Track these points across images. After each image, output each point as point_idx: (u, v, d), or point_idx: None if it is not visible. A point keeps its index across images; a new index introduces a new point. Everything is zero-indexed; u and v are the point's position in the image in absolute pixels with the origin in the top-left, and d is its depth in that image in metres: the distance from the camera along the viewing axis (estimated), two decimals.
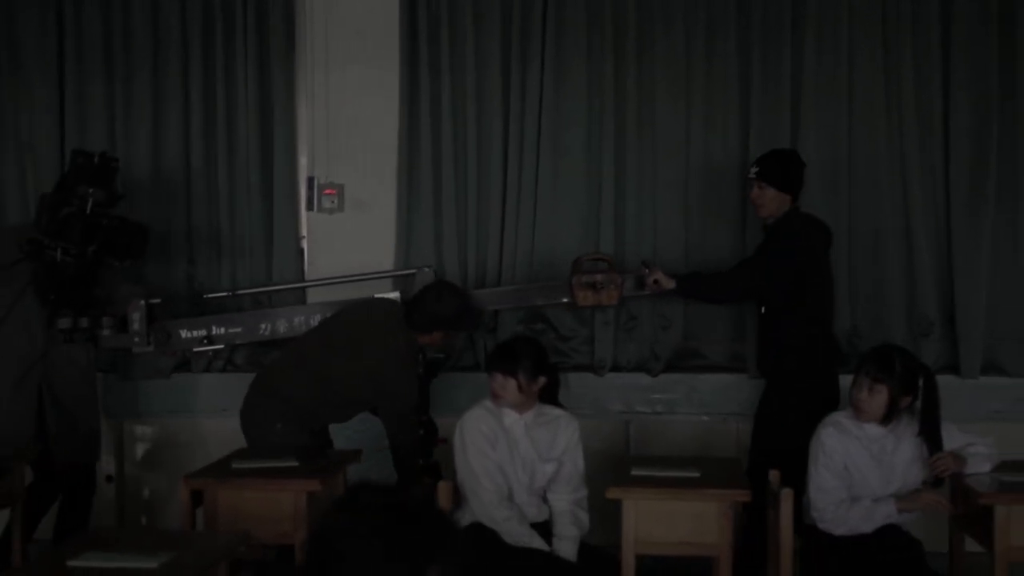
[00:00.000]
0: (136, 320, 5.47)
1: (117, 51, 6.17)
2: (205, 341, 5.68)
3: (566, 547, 4.36)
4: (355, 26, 6.11)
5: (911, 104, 5.87)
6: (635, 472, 4.42)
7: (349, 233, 6.09)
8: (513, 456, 4.42)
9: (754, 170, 5.34)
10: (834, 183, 5.86)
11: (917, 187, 5.82)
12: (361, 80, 6.09)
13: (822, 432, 4.34)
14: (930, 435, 4.41)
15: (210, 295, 5.97)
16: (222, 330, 5.67)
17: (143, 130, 6.14)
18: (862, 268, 5.89)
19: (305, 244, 6.21)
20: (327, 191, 6.06)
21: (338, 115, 6.13)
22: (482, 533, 4.38)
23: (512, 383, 4.38)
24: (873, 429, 4.37)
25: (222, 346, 5.75)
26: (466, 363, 6.00)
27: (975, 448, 4.50)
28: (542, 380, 4.51)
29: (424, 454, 5.29)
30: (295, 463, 4.54)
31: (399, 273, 5.88)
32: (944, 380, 5.56)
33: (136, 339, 5.48)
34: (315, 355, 5.16)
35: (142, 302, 5.45)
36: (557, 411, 4.56)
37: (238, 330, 5.67)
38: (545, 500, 4.52)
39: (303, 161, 6.17)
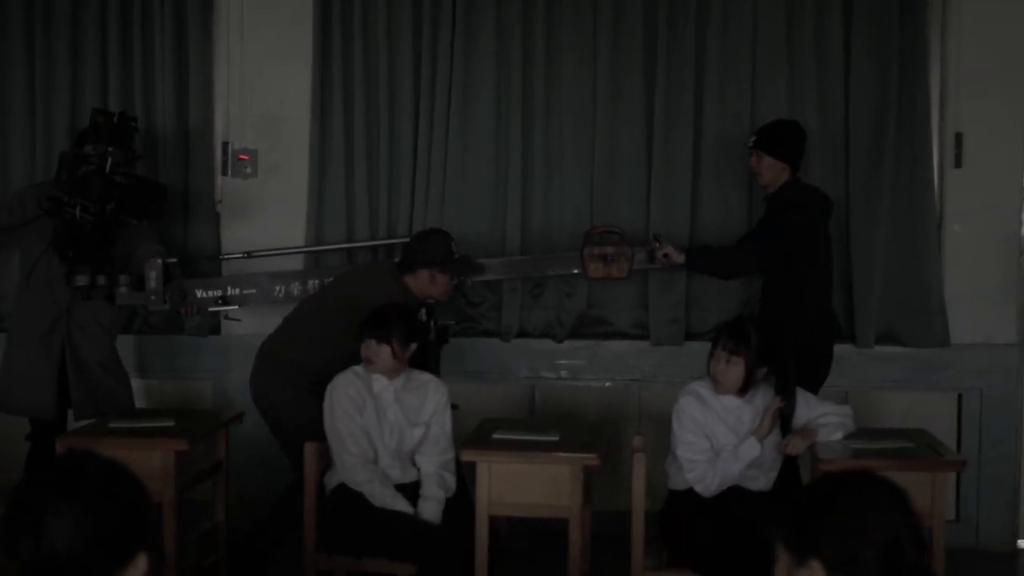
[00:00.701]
0: (152, 278, 5.40)
1: (38, 12, 6.16)
2: (220, 301, 5.61)
3: (430, 508, 4.38)
4: None
5: (812, 75, 5.86)
6: (496, 435, 4.36)
7: (263, 199, 6.06)
8: (380, 421, 4.41)
9: (752, 139, 5.30)
10: (739, 155, 5.79)
11: (816, 156, 5.80)
12: (275, 46, 6.07)
13: (682, 400, 4.34)
14: (783, 395, 4.39)
15: (226, 256, 5.95)
16: (237, 291, 5.61)
17: (62, 93, 6.13)
18: None
19: (220, 209, 6.13)
20: (241, 156, 5.97)
21: (253, 81, 6.08)
22: (348, 494, 4.40)
23: (386, 349, 4.40)
24: (730, 400, 4.36)
25: (236, 306, 5.68)
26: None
27: (827, 418, 4.45)
28: (413, 347, 4.48)
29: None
30: (171, 423, 4.47)
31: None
32: (841, 349, 5.61)
33: (152, 297, 5.42)
34: (314, 319, 5.13)
35: (158, 260, 5.39)
36: (426, 376, 4.56)
37: (252, 291, 5.63)
38: (414, 463, 4.43)
39: (219, 126, 6.10)
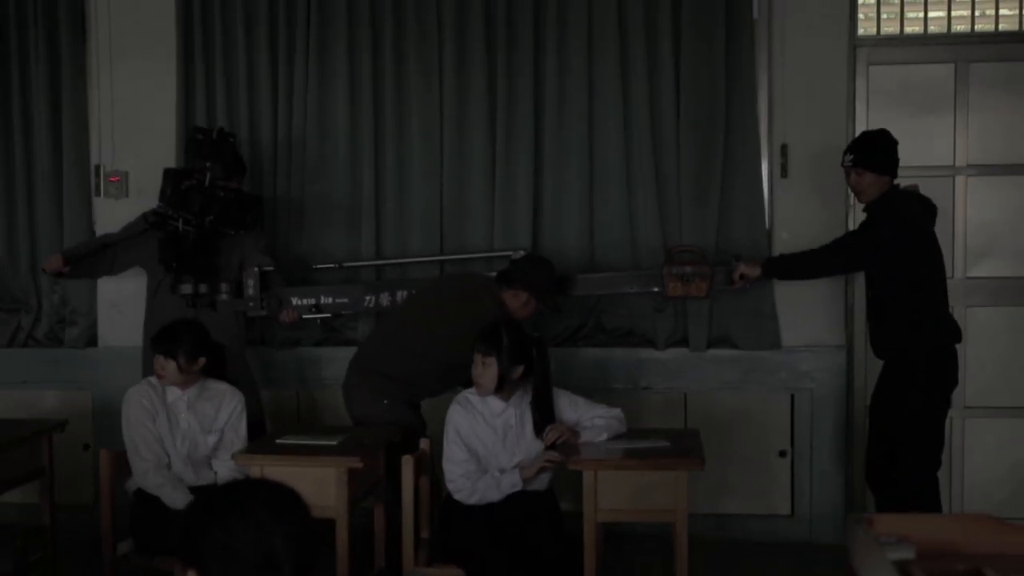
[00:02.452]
0: (251, 286, 5.44)
1: None
2: (313, 309, 5.57)
3: None
4: (136, 18, 6.07)
5: (644, 95, 5.81)
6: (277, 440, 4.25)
7: (131, 216, 5.89)
8: (172, 429, 4.29)
9: (848, 158, 5.06)
10: (578, 170, 5.85)
11: (647, 171, 5.81)
12: (143, 71, 6.06)
13: (451, 409, 4.27)
14: (539, 404, 4.31)
15: (319, 266, 5.90)
16: (330, 300, 5.59)
17: None
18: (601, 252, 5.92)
19: (96, 230, 6.11)
20: (112, 178, 5.92)
21: (123, 104, 6.09)
22: (146, 497, 4.38)
23: (172, 364, 4.30)
24: (495, 403, 4.29)
25: (329, 315, 5.68)
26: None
27: (594, 420, 4.36)
28: (202, 360, 4.44)
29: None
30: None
31: (496, 254, 5.73)
32: (677, 353, 5.52)
33: (251, 304, 5.45)
34: (406, 331, 5.03)
35: (255, 269, 5.43)
36: (223, 386, 4.43)
37: (345, 300, 5.60)
38: (211, 467, 4.33)
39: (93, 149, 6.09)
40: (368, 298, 5.56)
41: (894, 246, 4.89)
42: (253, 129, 5.98)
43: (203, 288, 5.33)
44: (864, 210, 5.08)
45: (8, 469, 4.58)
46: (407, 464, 4.11)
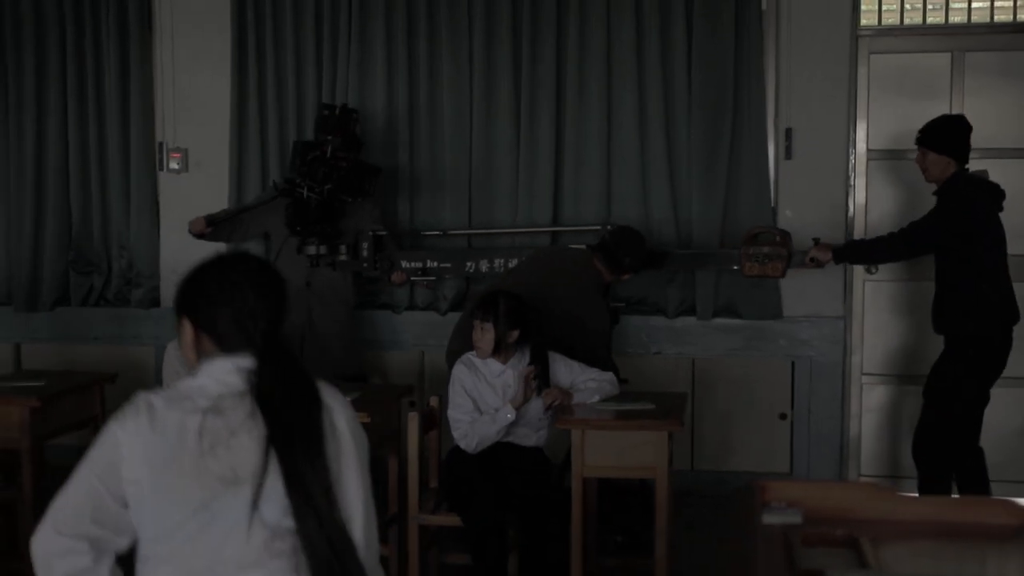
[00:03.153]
0: (366, 248, 5.66)
1: (8, 37, 6.60)
2: (420, 272, 5.84)
3: None
4: (196, 12, 6.45)
5: (659, 81, 6.02)
6: None
7: (193, 190, 6.29)
8: None
9: (916, 137, 5.10)
10: (597, 151, 6.11)
11: (660, 152, 6.02)
12: (201, 59, 6.44)
13: (456, 368, 4.53)
14: (536, 362, 4.51)
15: (426, 232, 6.23)
16: (435, 264, 5.84)
17: (30, 104, 6.59)
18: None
19: (160, 200, 6.54)
20: (173, 154, 6.24)
21: (183, 89, 6.48)
22: None
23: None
24: (495, 365, 4.51)
25: (434, 278, 5.97)
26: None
27: (587, 383, 4.53)
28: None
29: None
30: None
31: (595, 227, 5.85)
32: (686, 321, 5.75)
33: (364, 264, 5.69)
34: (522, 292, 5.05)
35: (370, 233, 5.67)
36: None
37: (448, 265, 5.86)
38: None
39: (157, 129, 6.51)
40: (468, 264, 5.84)
41: (958, 230, 4.89)
42: (299, 110, 6.29)
43: (324, 250, 5.60)
44: (934, 194, 5.06)
45: (67, 415, 4.98)
46: (412, 420, 4.38)
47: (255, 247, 6.11)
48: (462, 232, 6.18)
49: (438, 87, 6.17)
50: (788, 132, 5.93)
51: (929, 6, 5.93)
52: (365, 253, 5.66)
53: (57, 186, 6.53)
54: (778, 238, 5.45)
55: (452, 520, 4.38)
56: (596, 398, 4.57)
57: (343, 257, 5.66)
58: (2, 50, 6.58)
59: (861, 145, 5.98)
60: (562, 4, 6.05)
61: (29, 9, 6.50)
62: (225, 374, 2.18)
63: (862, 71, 5.97)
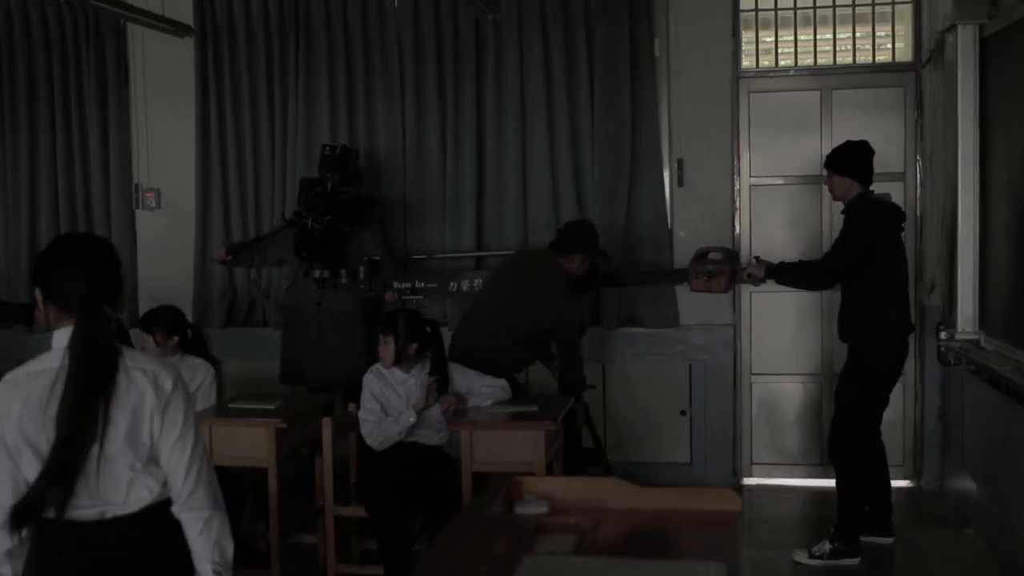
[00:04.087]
0: (362, 271, 5.98)
1: (5, 93, 7.21)
2: (410, 291, 6.27)
3: None
4: (166, 68, 7.03)
5: (565, 123, 6.50)
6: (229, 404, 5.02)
7: (166, 226, 6.78)
8: None
9: (824, 160, 5.29)
10: (514, 182, 6.58)
11: (569, 182, 6.48)
12: (171, 108, 7.00)
13: (366, 377, 4.96)
14: (435, 375, 4.91)
15: (416, 256, 6.68)
16: (423, 284, 6.34)
17: (23, 153, 7.17)
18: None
19: (137, 234, 7.13)
20: (147, 194, 6.70)
21: (156, 135, 7.04)
22: None
23: (150, 339, 5.15)
24: (399, 374, 4.90)
25: (421, 296, 6.39)
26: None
27: (482, 389, 4.93)
28: (176, 338, 5.22)
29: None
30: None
31: None
32: (593, 331, 6.12)
33: (362, 286, 6.00)
34: (490, 311, 5.55)
35: (366, 258, 6.01)
36: (197, 360, 5.20)
37: (434, 285, 6.37)
38: None
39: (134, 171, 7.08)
40: (452, 284, 6.34)
41: (859, 248, 5.00)
42: (256, 152, 6.84)
43: (327, 274, 5.97)
44: (841, 212, 5.22)
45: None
46: (326, 424, 4.84)
47: (169, 276, 6.77)
48: (445, 256, 6.63)
49: (374, 131, 6.62)
50: (680, 163, 6.45)
51: (800, 50, 6.42)
52: (362, 276, 6.01)
53: (48, 223, 7.11)
54: (722, 256, 5.69)
55: (357, 511, 4.83)
56: (489, 402, 5.00)
57: (343, 280, 6.02)
58: None
59: (744, 173, 6.44)
60: (480, 57, 6.59)
61: (23, 70, 7.16)
62: (62, 342, 2.53)
63: (743, 108, 6.50)
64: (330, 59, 6.71)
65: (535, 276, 5.59)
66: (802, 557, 5.15)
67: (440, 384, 4.99)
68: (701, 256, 5.70)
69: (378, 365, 5.07)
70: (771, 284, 6.10)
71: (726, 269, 5.56)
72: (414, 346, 4.98)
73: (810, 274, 5.38)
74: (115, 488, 2.50)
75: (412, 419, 4.91)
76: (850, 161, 5.19)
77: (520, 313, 5.45)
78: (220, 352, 6.72)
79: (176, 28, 6.68)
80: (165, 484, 2.54)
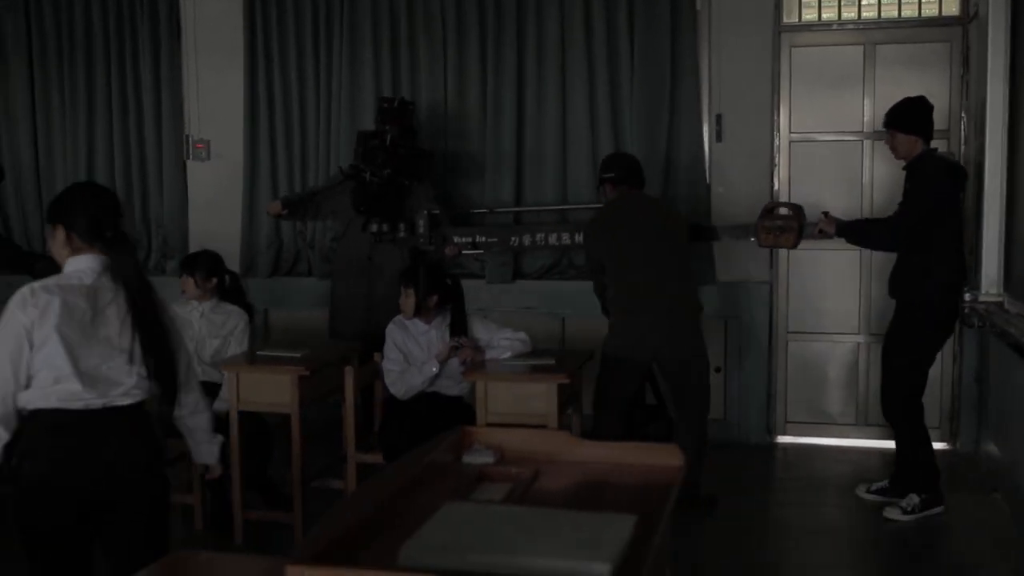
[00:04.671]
0: (422, 225, 5.98)
1: (65, 49, 7.36)
2: (470, 246, 6.15)
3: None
4: (216, 24, 7.16)
5: (605, 78, 6.47)
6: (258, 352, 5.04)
7: (215, 177, 6.95)
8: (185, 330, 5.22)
9: (884, 119, 5.25)
10: (554, 139, 6.60)
11: (607, 138, 6.45)
12: (221, 63, 7.15)
13: (389, 327, 5.08)
14: (455, 327, 5.02)
15: (474, 210, 6.66)
16: (483, 239, 6.15)
17: (80, 104, 7.36)
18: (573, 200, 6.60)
19: (188, 184, 7.27)
20: (198, 145, 6.84)
21: (206, 88, 7.18)
22: None
23: (190, 280, 5.37)
24: (421, 325, 5.01)
25: (483, 251, 6.29)
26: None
27: (502, 341, 4.99)
28: (214, 280, 5.40)
29: None
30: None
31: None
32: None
33: (421, 240, 5.98)
34: (667, 264, 5.19)
35: (426, 212, 5.99)
36: (232, 307, 5.37)
37: (495, 240, 6.16)
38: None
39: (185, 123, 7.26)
40: (513, 239, 6.17)
41: (925, 208, 4.96)
42: (303, 106, 6.90)
43: (385, 227, 5.94)
44: (903, 169, 5.20)
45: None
46: (348, 373, 4.94)
47: (219, 223, 6.91)
48: (505, 210, 6.63)
49: (417, 86, 6.67)
50: (719, 118, 6.39)
51: (844, 3, 6.28)
52: (422, 229, 5.99)
53: (105, 173, 7.30)
54: (791, 212, 5.52)
55: (376, 459, 4.95)
56: (508, 354, 5.03)
57: (402, 234, 6.00)
58: (60, 60, 7.43)
59: (784, 129, 6.35)
60: (522, 20, 6.57)
61: (81, 26, 7.33)
62: (89, 264, 3.02)
63: (784, 63, 6.39)
64: (374, 16, 6.76)
65: (663, 216, 5.34)
66: (895, 514, 5.12)
67: (457, 334, 5.09)
68: (769, 211, 5.56)
69: (400, 316, 5.18)
70: (809, 242, 6.10)
71: (794, 224, 5.40)
72: (435, 298, 5.05)
73: (881, 234, 5.24)
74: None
75: (435, 369, 5.01)
76: (914, 118, 5.14)
77: (681, 257, 5.21)
78: (266, 301, 6.99)
79: None
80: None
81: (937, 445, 6.16)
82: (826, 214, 5.39)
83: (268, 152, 6.99)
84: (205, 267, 5.38)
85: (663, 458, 2.49)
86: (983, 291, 4.90)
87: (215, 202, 7.16)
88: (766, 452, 6.42)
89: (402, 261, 6.04)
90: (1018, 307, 4.65)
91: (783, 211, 5.55)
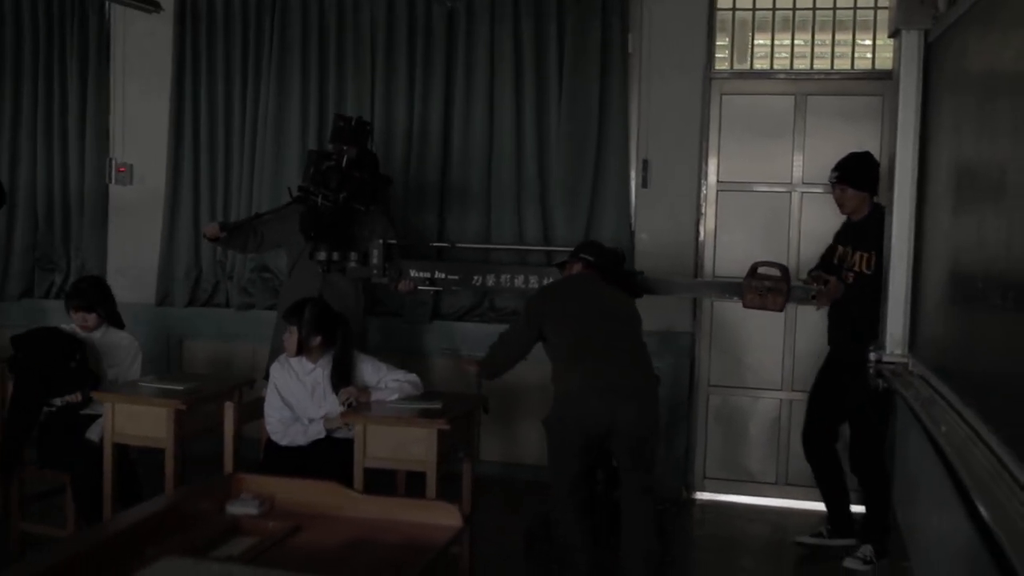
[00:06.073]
0: (375, 255, 5.55)
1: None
2: (427, 282, 5.65)
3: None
4: (144, 48, 7.04)
5: (532, 119, 6.36)
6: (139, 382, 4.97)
7: (137, 201, 6.81)
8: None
9: (834, 175, 5.24)
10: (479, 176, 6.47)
11: (532, 179, 6.36)
12: (148, 86, 7.02)
13: (272, 367, 4.90)
14: (336, 372, 4.83)
15: (434, 244, 6.38)
16: (443, 275, 5.65)
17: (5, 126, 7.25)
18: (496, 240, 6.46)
19: (109, 208, 7.09)
20: (120, 168, 6.72)
21: (132, 112, 7.05)
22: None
23: (92, 315, 5.20)
24: (306, 364, 4.80)
25: (441, 288, 5.91)
26: None
27: (390, 383, 4.82)
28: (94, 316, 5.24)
29: None
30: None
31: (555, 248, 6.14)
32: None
33: (375, 271, 5.58)
34: (619, 334, 4.88)
35: (380, 241, 5.56)
36: (122, 335, 5.09)
37: (456, 277, 5.66)
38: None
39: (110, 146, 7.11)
40: (476, 278, 5.66)
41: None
42: (228, 132, 6.81)
43: (335, 256, 5.56)
44: (855, 222, 5.21)
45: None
46: (228, 409, 4.75)
47: (136, 251, 6.76)
48: (467, 246, 6.39)
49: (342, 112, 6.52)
50: (645, 163, 6.21)
51: (777, 54, 6.12)
52: (375, 260, 5.57)
53: (26, 194, 7.13)
54: (778, 272, 5.26)
55: None
56: (395, 396, 4.85)
57: (353, 264, 5.61)
58: None
59: (712, 177, 6.20)
60: (451, 41, 6.46)
61: (11, 44, 7.20)
62: None
63: (714, 110, 6.24)
64: (303, 40, 6.63)
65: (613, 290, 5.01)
66: (855, 564, 5.17)
67: (339, 376, 4.86)
68: (755, 271, 5.28)
69: (284, 356, 4.98)
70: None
71: (783, 286, 5.18)
72: (318, 338, 4.87)
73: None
74: None
75: (320, 435, 4.82)
76: (865, 174, 5.18)
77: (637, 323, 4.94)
78: (182, 331, 6.82)
79: (153, 6, 6.64)
80: None
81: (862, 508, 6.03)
82: (826, 282, 5.15)
83: (191, 178, 6.83)
84: (98, 298, 5.24)
85: (439, 517, 2.32)
86: (888, 351, 4.71)
87: (135, 227, 6.99)
88: (683, 509, 6.21)
89: (356, 301, 5.77)
90: (920, 369, 4.46)
91: (768, 271, 5.29)
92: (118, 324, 5.33)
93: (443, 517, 2.41)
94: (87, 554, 1.93)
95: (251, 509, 2.52)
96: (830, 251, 5.46)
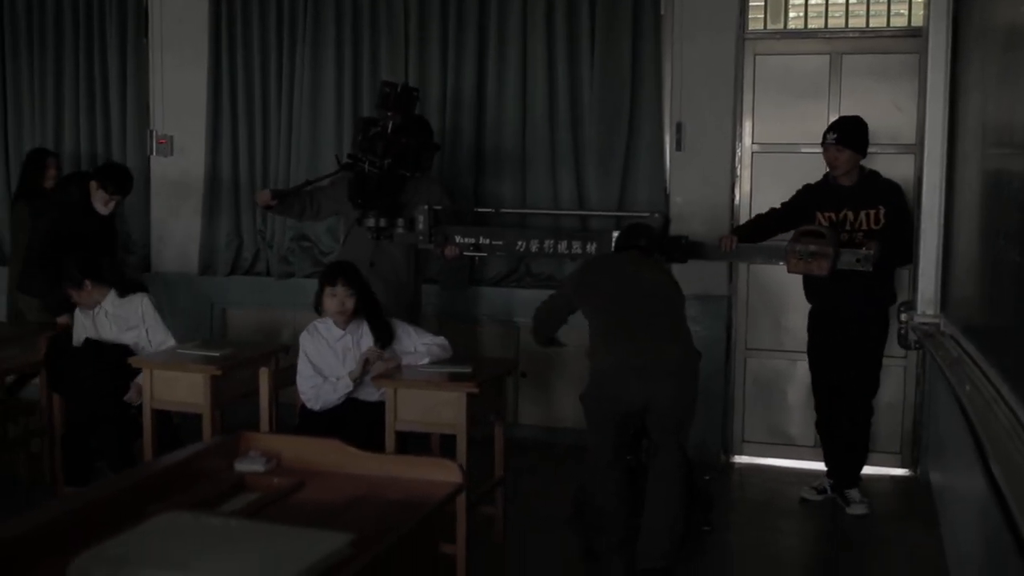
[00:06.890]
0: (421, 221, 5.53)
1: (35, 44, 7.36)
2: (472, 248, 5.64)
3: None
4: (182, 22, 7.10)
5: (566, 82, 6.35)
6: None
7: (177, 172, 6.91)
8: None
9: (832, 136, 5.31)
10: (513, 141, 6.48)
11: (566, 143, 6.36)
12: (185, 60, 7.08)
13: (302, 336, 4.93)
14: (380, 336, 4.87)
15: (480, 209, 6.28)
16: (487, 241, 5.63)
17: (49, 100, 7.36)
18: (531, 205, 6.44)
19: (151, 179, 7.21)
20: (160, 140, 6.80)
21: (171, 85, 7.13)
22: None
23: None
24: (335, 331, 4.83)
25: (486, 254, 5.89)
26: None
27: (418, 346, 4.84)
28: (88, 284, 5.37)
29: None
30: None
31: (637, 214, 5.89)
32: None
33: (420, 237, 5.56)
34: (658, 310, 4.76)
35: (426, 206, 5.52)
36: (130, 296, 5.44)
37: (500, 243, 5.64)
38: None
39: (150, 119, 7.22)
40: (520, 243, 5.64)
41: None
42: (266, 105, 6.88)
43: (383, 222, 5.52)
44: (836, 187, 5.34)
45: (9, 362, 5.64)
46: (263, 375, 4.81)
47: (180, 223, 6.88)
48: (511, 211, 6.34)
49: (377, 81, 6.56)
50: (679, 126, 6.16)
51: (811, 12, 6.06)
52: (421, 226, 5.54)
53: (70, 168, 7.20)
54: (825, 236, 5.21)
55: None
56: (425, 360, 4.89)
57: (400, 230, 5.59)
58: (31, 54, 7.40)
59: (747, 139, 6.15)
60: (483, 7, 6.44)
61: (52, 20, 7.31)
62: None
63: (748, 71, 6.17)
64: (338, 9, 6.65)
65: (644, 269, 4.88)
66: (860, 509, 5.40)
67: (379, 336, 4.89)
68: (801, 235, 5.22)
69: (315, 323, 5.01)
70: None
71: (829, 251, 5.11)
72: (353, 300, 4.90)
73: (906, 250, 4.93)
74: None
75: (349, 387, 4.84)
76: (863, 138, 5.35)
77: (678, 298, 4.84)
78: (224, 300, 6.93)
79: None
80: None
81: (898, 472, 6.01)
82: (869, 247, 5.13)
83: (230, 148, 6.91)
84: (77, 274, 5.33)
85: (440, 474, 2.36)
86: (919, 311, 4.68)
87: (176, 198, 7.08)
88: (722, 473, 6.21)
89: (408, 269, 5.77)
90: (951, 330, 4.42)
91: (815, 236, 5.22)
92: (125, 290, 5.42)
93: (443, 474, 2.45)
94: (90, 508, 1.99)
95: (257, 466, 2.57)
96: (789, 217, 5.42)
